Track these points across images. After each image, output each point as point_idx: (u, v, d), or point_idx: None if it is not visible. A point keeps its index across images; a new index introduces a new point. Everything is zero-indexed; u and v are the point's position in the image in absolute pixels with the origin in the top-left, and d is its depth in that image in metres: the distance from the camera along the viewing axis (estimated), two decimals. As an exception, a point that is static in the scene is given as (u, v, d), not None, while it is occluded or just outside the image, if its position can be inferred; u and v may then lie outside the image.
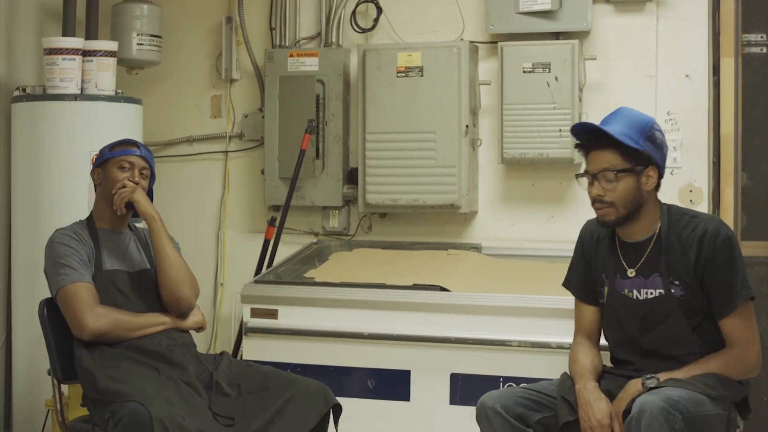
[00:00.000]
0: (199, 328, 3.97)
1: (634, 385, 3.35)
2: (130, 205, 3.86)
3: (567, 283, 3.75)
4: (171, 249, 3.88)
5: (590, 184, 3.48)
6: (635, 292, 3.48)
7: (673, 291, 3.42)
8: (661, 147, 3.49)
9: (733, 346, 3.38)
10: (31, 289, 4.80)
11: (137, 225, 4.10)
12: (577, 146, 3.58)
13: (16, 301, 5.06)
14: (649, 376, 3.34)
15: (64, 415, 3.87)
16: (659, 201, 3.53)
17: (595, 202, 3.48)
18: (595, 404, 3.38)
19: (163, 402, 3.40)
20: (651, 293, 3.45)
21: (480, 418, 3.47)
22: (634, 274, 3.48)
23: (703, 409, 3.25)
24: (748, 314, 3.41)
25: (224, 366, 3.81)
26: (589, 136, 3.50)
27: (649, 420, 3.11)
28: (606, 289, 3.56)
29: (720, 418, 3.33)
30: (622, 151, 3.42)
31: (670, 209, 3.52)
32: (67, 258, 3.75)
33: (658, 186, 3.50)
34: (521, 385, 3.74)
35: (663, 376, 3.32)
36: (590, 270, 3.64)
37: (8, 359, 5.19)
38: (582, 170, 3.60)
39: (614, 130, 3.42)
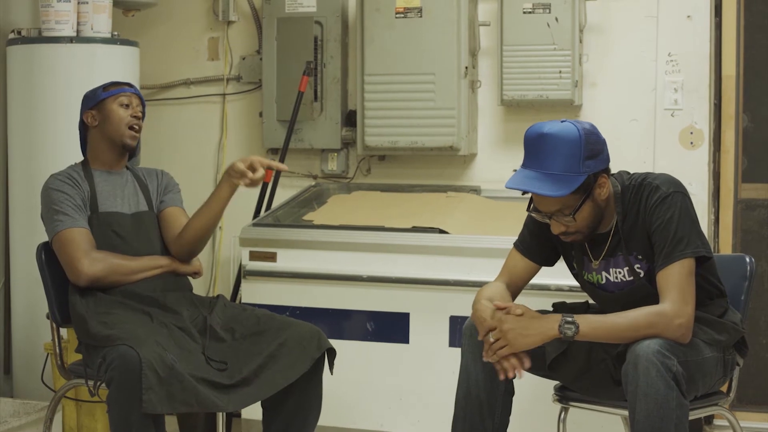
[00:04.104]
0: (196, 274, 3.96)
1: (553, 322, 3.21)
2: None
3: (521, 244, 3.56)
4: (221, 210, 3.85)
5: (545, 220, 3.32)
6: (604, 274, 3.41)
7: (638, 267, 3.33)
8: (601, 149, 3.29)
9: (664, 300, 3.20)
10: (29, 232, 4.80)
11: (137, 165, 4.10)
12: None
13: (14, 245, 5.06)
14: (568, 320, 3.19)
15: (63, 359, 3.87)
16: (612, 187, 3.35)
17: (560, 235, 3.33)
18: (482, 311, 3.32)
19: (153, 345, 3.40)
20: (619, 272, 3.38)
21: (465, 333, 3.44)
22: (598, 264, 3.41)
23: (699, 353, 3.24)
24: (685, 271, 3.22)
25: (219, 310, 3.81)
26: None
27: (646, 365, 3.08)
28: (583, 272, 3.48)
29: (715, 360, 3.32)
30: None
31: (624, 190, 3.34)
32: (62, 204, 3.73)
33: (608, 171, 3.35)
34: None
35: (580, 320, 3.20)
36: (551, 240, 3.49)
37: (7, 303, 5.20)
38: (530, 206, 3.36)
39: (555, 170, 3.22)
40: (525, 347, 3.25)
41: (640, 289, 3.33)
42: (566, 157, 3.23)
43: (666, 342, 3.13)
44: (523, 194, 3.34)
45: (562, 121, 3.31)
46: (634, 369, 3.11)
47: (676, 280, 3.22)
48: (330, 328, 4.43)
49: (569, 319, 3.21)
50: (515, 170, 3.35)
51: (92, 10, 5.00)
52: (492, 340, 3.26)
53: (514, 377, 3.30)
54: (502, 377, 3.29)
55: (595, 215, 3.32)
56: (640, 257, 3.33)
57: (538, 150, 3.28)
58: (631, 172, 3.43)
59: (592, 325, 3.21)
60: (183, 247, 3.86)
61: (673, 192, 3.28)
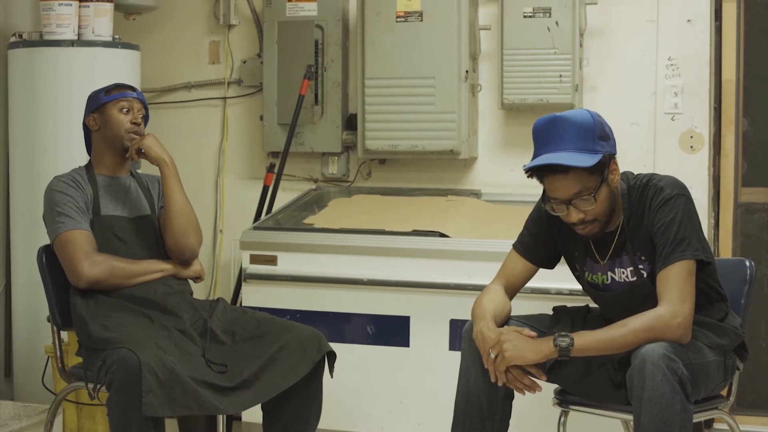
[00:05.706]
0: (197, 278, 3.96)
1: (546, 343, 3.24)
2: (139, 151, 3.84)
3: (520, 245, 3.56)
4: (181, 195, 3.85)
5: (563, 210, 3.29)
6: (609, 274, 3.41)
7: (641, 267, 3.34)
8: (611, 134, 3.32)
9: (661, 302, 3.21)
10: (29, 235, 4.81)
11: (138, 171, 4.10)
12: (530, 175, 3.32)
13: (15, 248, 5.07)
14: (562, 333, 3.22)
15: (63, 362, 3.87)
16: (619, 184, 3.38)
17: (578, 224, 3.31)
18: (488, 332, 3.31)
19: (153, 348, 3.40)
20: (623, 273, 3.39)
21: (465, 337, 3.45)
22: (605, 264, 3.41)
23: (701, 356, 3.25)
24: (683, 272, 3.22)
25: (219, 313, 3.81)
26: (544, 166, 3.25)
27: (652, 369, 3.07)
28: (585, 273, 3.48)
29: (717, 364, 3.33)
30: (587, 167, 3.24)
31: (630, 189, 3.36)
32: (64, 206, 3.73)
33: None
34: (515, 315, 3.56)
35: (576, 336, 3.21)
36: (552, 242, 3.52)
37: (8, 306, 5.20)
38: (546, 198, 3.32)
39: (573, 149, 3.21)
40: (519, 362, 3.26)
41: (642, 287, 3.33)
42: (582, 135, 3.24)
43: (670, 345, 3.13)
44: (536, 177, 3.31)
45: None
46: (640, 373, 3.10)
47: (673, 281, 3.22)
48: (330, 332, 4.43)
49: (563, 333, 3.23)
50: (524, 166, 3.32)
51: (93, 13, 5.01)
52: (493, 356, 3.27)
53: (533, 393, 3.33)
54: (523, 394, 3.32)
55: (611, 201, 3.31)
56: (643, 258, 3.34)
57: (551, 134, 3.27)
58: (635, 173, 3.44)
59: (587, 337, 3.22)
60: (172, 250, 3.86)
61: (677, 194, 3.29)
